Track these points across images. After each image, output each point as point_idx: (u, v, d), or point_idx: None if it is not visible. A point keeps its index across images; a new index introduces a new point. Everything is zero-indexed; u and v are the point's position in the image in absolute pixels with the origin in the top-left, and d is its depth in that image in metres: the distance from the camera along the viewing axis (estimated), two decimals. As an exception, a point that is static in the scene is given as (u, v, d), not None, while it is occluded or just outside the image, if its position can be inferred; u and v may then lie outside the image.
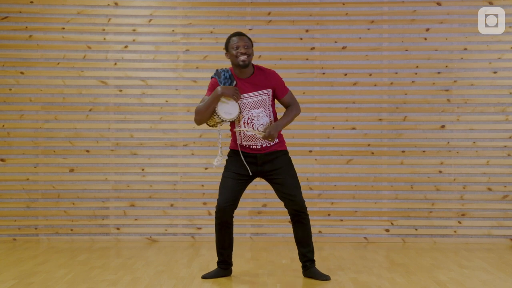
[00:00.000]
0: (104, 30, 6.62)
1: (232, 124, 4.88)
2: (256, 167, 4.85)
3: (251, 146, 4.84)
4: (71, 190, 6.60)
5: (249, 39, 4.81)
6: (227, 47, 4.80)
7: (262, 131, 4.74)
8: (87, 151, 6.61)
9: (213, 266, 5.36)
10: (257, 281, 4.88)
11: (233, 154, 4.90)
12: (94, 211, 6.61)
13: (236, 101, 4.76)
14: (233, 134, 4.90)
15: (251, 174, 4.84)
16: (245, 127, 4.79)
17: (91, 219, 6.61)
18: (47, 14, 6.62)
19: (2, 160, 6.61)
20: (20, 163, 6.61)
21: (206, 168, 6.61)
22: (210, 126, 4.94)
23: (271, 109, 4.85)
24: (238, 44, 4.74)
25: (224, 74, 4.81)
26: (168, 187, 6.61)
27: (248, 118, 4.79)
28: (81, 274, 5.07)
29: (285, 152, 4.92)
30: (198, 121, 4.84)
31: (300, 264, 5.14)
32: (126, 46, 6.63)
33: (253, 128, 4.78)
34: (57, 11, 6.62)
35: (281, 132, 4.96)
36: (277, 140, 4.86)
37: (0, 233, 6.59)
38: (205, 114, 4.79)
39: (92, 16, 6.63)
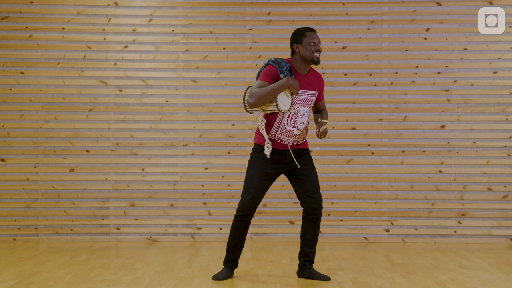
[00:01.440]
0: (104, 30, 6.62)
1: (272, 118, 4.78)
2: (283, 165, 4.83)
3: (283, 141, 4.80)
4: (71, 190, 6.60)
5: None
6: (300, 40, 4.77)
7: (320, 127, 4.78)
8: (87, 151, 6.61)
9: (213, 266, 5.36)
10: (257, 281, 4.88)
11: (260, 150, 4.82)
12: (94, 211, 6.61)
13: (293, 96, 4.73)
14: (267, 126, 4.79)
15: (275, 174, 4.83)
16: (289, 120, 4.75)
17: (91, 219, 6.61)
18: (47, 14, 6.62)
19: (2, 160, 6.61)
20: (20, 163, 6.61)
21: (206, 168, 6.61)
22: (247, 110, 4.82)
23: (310, 110, 4.92)
24: (315, 40, 4.77)
25: (285, 65, 4.77)
26: (168, 187, 6.61)
27: (294, 113, 4.77)
28: (81, 274, 5.07)
29: (309, 151, 4.95)
30: (254, 105, 4.69)
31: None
32: (126, 46, 6.63)
33: (294, 124, 4.76)
34: (57, 11, 6.62)
35: None
36: (304, 140, 4.91)
37: (0, 233, 6.59)
38: (266, 100, 4.67)
39: (92, 16, 6.63)
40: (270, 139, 4.79)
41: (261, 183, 4.80)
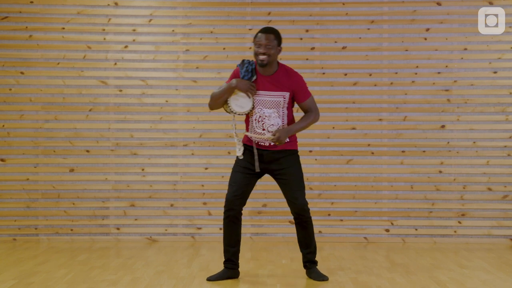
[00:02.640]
0: (104, 30, 6.62)
1: (247, 117, 4.84)
2: (264, 165, 4.83)
3: (259, 143, 4.82)
4: (71, 190, 6.60)
5: (276, 36, 4.74)
6: (253, 41, 4.78)
7: (272, 135, 4.70)
8: (87, 151, 6.61)
9: (213, 266, 5.36)
10: (257, 281, 4.88)
11: (244, 149, 4.87)
12: (94, 211, 6.61)
13: (250, 97, 4.74)
14: (246, 127, 4.87)
15: (258, 170, 4.82)
16: (256, 123, 4.76)
17: (91, 219, 6.61)
18: (47, 14, 6.62)
19: (2, 160, 6.61)
20: (20, 163, 6.61)
21: (206, 168, 6.61)
22: (226, 112, 4.89)
23: (285, 111, 4.79)
24: (261, 42, 4.71)
25: (247, 67, 4.77)
26: (168, 187, 6.61)
27: (260, 116, 4.77)
28: (81, 274, 5.07)
29: (293, 152, 4.87)
30: (210, 107, 4.84)
31: (302, 264, 5.13)
32: (126, 46, 6.62)
33: (263, 126, 4.75)
34: (57, 11, 6.62)
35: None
36: (287, 140, 4.83)
37: (0, 233, 6.59)
38: (217, 102, 4.79)
39: (92, 16, 6.63)
40: (250, 139, 4.82)
41: (242, 177, 4.82)
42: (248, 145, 4.86)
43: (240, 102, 4.76)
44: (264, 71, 4.77)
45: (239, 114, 4.79)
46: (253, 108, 4.76)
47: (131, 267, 5.34)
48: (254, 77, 4.77)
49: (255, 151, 4.81)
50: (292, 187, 4.82)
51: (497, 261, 5.64)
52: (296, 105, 4.96)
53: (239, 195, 4.81)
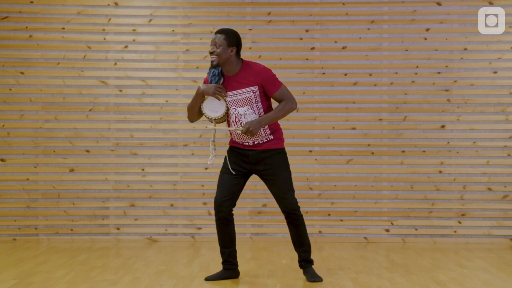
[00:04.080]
0: (104, 30, 6.62)
1: (229, 123, 4.85)
2: (250, 165, 4.83)
3: (243, 143, 4.81)
4: (71, 190, 6.60)
5: (227, 36, 4.70)
6: None
7: (241, 127, 4.70)
8: (87, 151, 6.61)
9: (213, 266, 5.36)
10: (257, 281, 4.88)
11: (230, 151, 4.89)
12: (94, 211, 6.61)
13: (220, 100, 4.74)
14: (231, 132, 4.89)
15: (244, 171, 4.83)
16: (235, 125, 4.76)
17: (91, 219, 6.61)
18: (47, 14, 6.62)
19: (2, 160, 6.61)
20: (20, 163, 6.61)
21: (206, 168, 6.61)
22: (210, 122, 4.90)
23: (260, 106, 4.75)
24: (211, 42, 4.73)
25: (213, 71, 4.77)
26: (168, 187, 6.61)
27: (235, 117, 4.75)
28: (81, 274, 5.07)
29: (280, 151, 4.83)
30: (189, 119, 4.88)
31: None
32: (126, 46, 6.63)
33: (241, 125, 4.75)
34: (57, 11, 6.62)
35: (282, 130, 4.90)
36: (271, 137, 4.79)
37: (0, 233, 6.59)
38: (192, 112, 4.82)
39: (92, 16, 6.63)
40: (234, 142, 4.85)
41: (228, 178, 4.83)
42: (234, 146, 4.88)
43: (212, 107, 4.77)
44: (228, 71, 4.77)
45: (216, 119, 4.76)
46: (227, 110, 4.75)
47: (131, 267, 5.34)
48: (222, 80, 4.77)
49: (235, 152, 4.84)
50: (280, 187, 4.79)
51: (497, 261, 5.64)
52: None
53: (227, 197, 4.81)
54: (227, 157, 4.87)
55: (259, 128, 4.67)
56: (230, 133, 4.89)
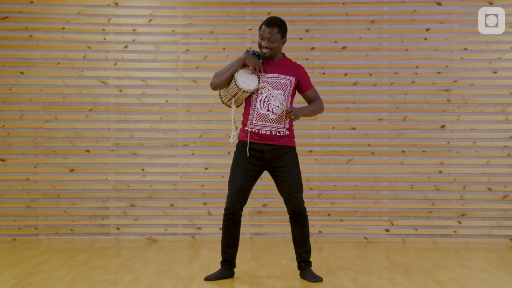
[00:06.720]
0: (104, 30, 6.62)
1: (247, 106, 4.80)
2: (264, 162, 4.81)
3: (260, 131, 4.76)
4: (71, 190, 6.60)
5: (280, 29, 4.72)
6: (258, 30, 4.78)
7: (287, 107, 4.70)
8: (87, 151, 6.61)
9: (213, 266, 5.36)
10: (257, 281, 4.88)
11: (242, 147, 4.82)
12: (94, 211, 6.61)
13: (257, 74, 4.73)
14: (245, 116, 4.82)
15: (256, 172, 4.82)
16: (261, 104, 4.72)
17: (91, 219, 6.61)
18: (47, 14, 6.62)
19: (2, 160, 6.61)
20: (20, 163, 6.61)
21: (206, 168, 6.61)
22: (223, 103, 4.87)
23: (289, 98, 4.79)
24: (264, 35, 4.72)
25: (254, 52, 4.81)
26: (168, 187, 6.61)
27: (266, 97, 4.73)
28: (81, 274, 5.07)
29: (294, 149, 4.87)
30: (214, 84, 4.77)
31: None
32: (126, 46, 6.63)
33: (268, 107, 4.72)
34: (57, 11, 6.62)
35: (292, 128, 4.90)
36: (287, 133, 4.81)
37: (0, 233, 6.59)
38: (224, 77, 4.74)
39: (92, 16, 6.63)
40: (246, 130, 4.79)
41: (242, 180, 4.79)
42: (244, 141, 4.81)
43: (246, 79, 4.71)
44: (272, 57, 4.81)
45: (243, 92, 4.68)
46: (258, 87, 4.72)
47: (131, 267, 5.34)
48: (261, 61, 4.80)
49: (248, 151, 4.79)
50: (292, 185, 4.80)
51: (497, 261, 5.64)
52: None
53: (239, 199, 4.80)
54: (246, 154, 4.80)
55: (301, 115, 4.74)
56: (245, 125, 4.81)
